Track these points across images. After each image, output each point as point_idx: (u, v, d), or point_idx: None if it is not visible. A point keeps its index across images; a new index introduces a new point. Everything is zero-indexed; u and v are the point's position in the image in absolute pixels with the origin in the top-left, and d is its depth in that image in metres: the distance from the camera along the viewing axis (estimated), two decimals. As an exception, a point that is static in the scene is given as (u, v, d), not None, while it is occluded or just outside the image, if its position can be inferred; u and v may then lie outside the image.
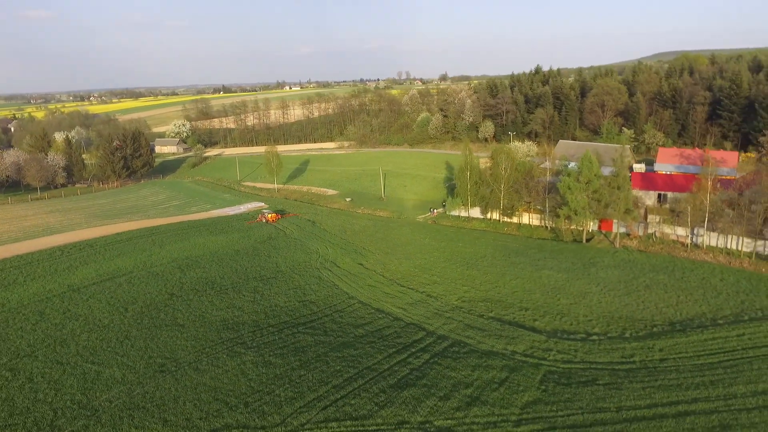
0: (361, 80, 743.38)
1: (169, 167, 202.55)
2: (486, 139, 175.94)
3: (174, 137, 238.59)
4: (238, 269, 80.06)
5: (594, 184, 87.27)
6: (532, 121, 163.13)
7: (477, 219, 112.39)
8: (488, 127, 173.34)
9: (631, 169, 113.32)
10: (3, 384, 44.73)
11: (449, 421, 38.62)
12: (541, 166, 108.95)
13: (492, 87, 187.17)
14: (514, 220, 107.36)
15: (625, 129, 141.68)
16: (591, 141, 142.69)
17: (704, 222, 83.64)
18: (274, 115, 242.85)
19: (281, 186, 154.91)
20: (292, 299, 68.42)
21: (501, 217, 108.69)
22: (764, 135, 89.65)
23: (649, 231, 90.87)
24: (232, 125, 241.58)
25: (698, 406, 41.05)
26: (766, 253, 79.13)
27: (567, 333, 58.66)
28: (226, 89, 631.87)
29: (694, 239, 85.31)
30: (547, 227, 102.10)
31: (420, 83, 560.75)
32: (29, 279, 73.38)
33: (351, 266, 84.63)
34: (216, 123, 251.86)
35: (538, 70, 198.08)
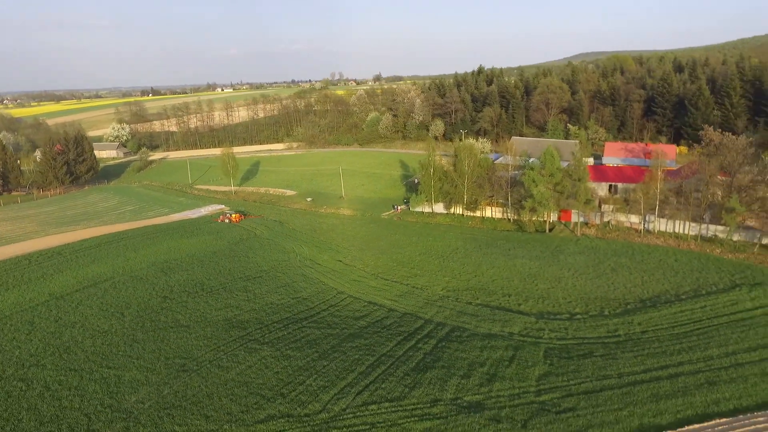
0: (293, 81, 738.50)
1: (113, 172, 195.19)
2: (436, 138, 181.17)
3: (113, 141, 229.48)
4: (222, 270, 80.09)
5: (556, 177, 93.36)
6: (481, 120, 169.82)
7: (441, 214, 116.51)
8: (438, 126, 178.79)
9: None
10: (20, 394, 43.86)
11: (477, 396, 41.78)
12: (498, 161, 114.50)
13: (440, 87, 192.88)
14: (477, 214, 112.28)
15: (570, 125, 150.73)
16: (537, 137, 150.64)
17: (655, 209, 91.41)
18: (219, 117, 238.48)
19: (238, 188, 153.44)
20: (285, 297, 69.60)
21: (464, 211, 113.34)
22: (701, 129, 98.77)
23: (605, 219, 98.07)
24: (174, 128, 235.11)
25: (685, 368, 46.20)
26: (708, 235, 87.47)
27: (552, 314, 63.32)
28: (155, 91, 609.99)
29: (646, 225, 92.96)
30: (509, 219, 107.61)
31: (354, 84, 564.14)
32: (2, 289, 70.51)
33: (331, 263, 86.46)
34: (157, 126, 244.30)
35: (481, 70, 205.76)
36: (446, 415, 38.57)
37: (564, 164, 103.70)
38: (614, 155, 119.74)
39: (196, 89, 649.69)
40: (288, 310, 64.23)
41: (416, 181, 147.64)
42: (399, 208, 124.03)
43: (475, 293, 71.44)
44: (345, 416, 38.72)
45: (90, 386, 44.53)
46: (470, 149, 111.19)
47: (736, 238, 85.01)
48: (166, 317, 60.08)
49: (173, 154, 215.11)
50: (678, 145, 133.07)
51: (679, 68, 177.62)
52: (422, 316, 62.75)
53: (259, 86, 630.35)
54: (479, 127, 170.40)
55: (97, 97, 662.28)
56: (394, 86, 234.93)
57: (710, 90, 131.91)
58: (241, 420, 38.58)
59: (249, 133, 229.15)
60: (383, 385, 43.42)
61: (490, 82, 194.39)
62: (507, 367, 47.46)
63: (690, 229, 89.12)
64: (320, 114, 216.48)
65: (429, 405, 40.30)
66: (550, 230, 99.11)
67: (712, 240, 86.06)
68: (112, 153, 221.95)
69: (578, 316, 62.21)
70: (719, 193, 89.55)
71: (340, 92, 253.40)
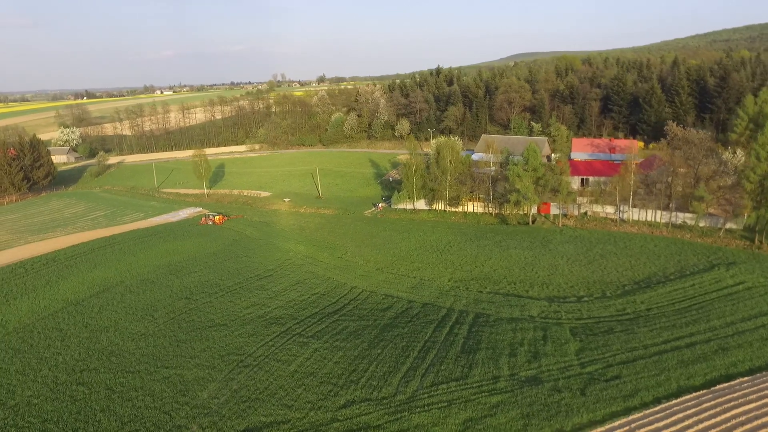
0: (232, 83, 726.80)
1: (68, 178, 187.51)
2: (402, 137, 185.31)
3: (63, 145, 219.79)
4: (231, 270, 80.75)
5: (539, 171, 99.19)
6: (447, 119, 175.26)
7: (423, 210, 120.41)
8: (404, 125, 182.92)
9: (548, 158, 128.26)
10: (85, 397, 44.16)
11: (531, 371, 45.74)
12: (478, 158, 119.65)
13: (402, 87, 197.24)
14: (459, 209, 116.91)
15: (533, 123, 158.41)
16: (502, 135, 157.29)
17: (629, 200, 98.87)
18: (175, 119, 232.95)
19: (210, 191, 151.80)
20: (303, 293, 71.41)
21: (446, 207, 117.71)
22: (657, 125, 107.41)
23: (582, 211, 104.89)
24: (127, 131, 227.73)
25: (697, 338, 51.91)
26: (678, 222, 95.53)
27: (561, 298, 68.37)
28: (90, 94, 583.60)
29: (620, 215, 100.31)
30: (492, 213, 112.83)
31: (298, 85, 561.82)
32: (10, 298, 68.64)
33: (332, 260, 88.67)
34: (109, 129, 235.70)
35: (440, 71, 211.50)
36: (511, 389, 42.24)
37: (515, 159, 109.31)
38: (582, 150, 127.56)
39: (133, 92, 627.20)
40: (313, 305, 66.18)
41: (391, 179, 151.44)
42: (380, 205, 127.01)
43: (482, 283, 75.66)
44: (420, 396, 41.68)
45: (155, 386, 45.29)
46: (452, 146, 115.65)
47: (702, 224, 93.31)
48: (199, 317, 60.79)
49: (130, 158, 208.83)
50: (633, 139, 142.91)
51: (626, 68, 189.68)
52: (442, 305, 66.25)
53: (200, 88, 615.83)
54: (444, 126, 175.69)
55: (24, 100, 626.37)
56: (357, 86, 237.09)
57: (660, 89, 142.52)
58: (323, 407, 40.76)
59: (206, 135, 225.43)
60: (442, 367, 46.62)
61: (450, 82, 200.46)
62: (544, 345, 51.70)
63: (661, 217, 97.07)
64: (281, 115, 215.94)
65: (492, 381, 43.87)
66: (533, 222, 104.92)
67: (682, 227, 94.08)
68: (63, 158, 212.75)
69: (585, 299, 67.52)
70: (681, 183, 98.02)
71: (298, 93, 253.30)
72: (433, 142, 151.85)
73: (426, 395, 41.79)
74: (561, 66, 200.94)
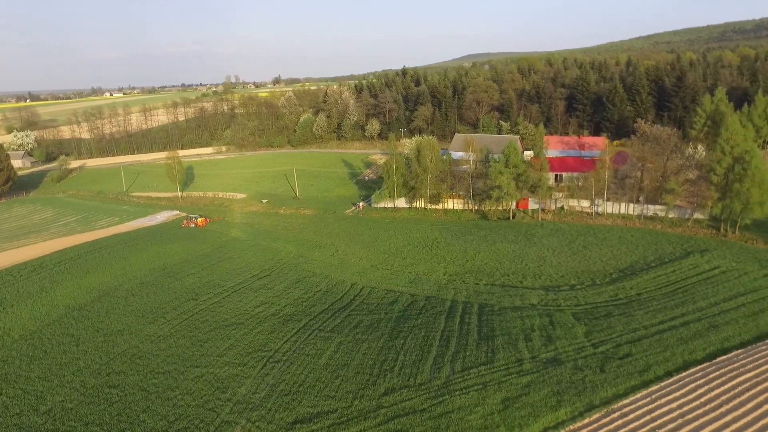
0: (184, 85, 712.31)
1: (27, 183, 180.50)
2: (372, 137, 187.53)
3: (17, 149, 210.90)
4: (228, 271, 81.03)
5: (520, 168, 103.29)
6: (417, 118, 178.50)
7: (404, 208, 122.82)
8: (374, 126, 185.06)
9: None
10: (121, 399, 44.47)
11: (550, 353, 48.82)
12: (456, 156, 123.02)
13: (371, 87, 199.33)
14: (440, 206, 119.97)
15: (501, 122, 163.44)
16: (471, 134, 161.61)
17: (603, 194, 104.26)
18: (137, 122, 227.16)
19: (184, 193, 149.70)
20: (307, 291, 72.64)
21: (427, 204, 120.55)
22: (636, 122, 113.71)
23: (558, 206, 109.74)
24: (86, 134, 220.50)
25: (688, 318, 56.31)
26: (649, 214, 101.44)
27: (555, 287, 72.08)
28: (34, 96, 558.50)
29: (596, 209, 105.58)
30: (472, 210, 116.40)
31: (254, 86, 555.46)
32: (6, 306, 67.10)
33: (326, 259, 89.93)
34: (65, 132, 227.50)
35: (405, 71, 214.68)
36: (537, 370, 45.13)
37: (496, 157, 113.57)
38: (553, 148, 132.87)
39: (80, 94, 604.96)
40: (321, 302, 67.56)
41: (366, 179, 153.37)
42: (361, 204, 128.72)
43: (477, 275, 78.71)
44: (455, 381, 44.02)
45: (191, 385, 45.90)
46: (432, 145, 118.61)
47: (671, 215, 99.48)
48: (212, 317, 61.26)
49: (91, 162, 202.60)
50: (598, 136, 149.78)
51: (585, 68, 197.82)
52: (445, 298, 68.82)
53: (152, 90, 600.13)
54: (415, 126, 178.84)
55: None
56: (325, 87, 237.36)
57: (622, 88, 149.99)
58: (365, 395, 42.51)
59: (170, 137, 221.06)
60: (467, 354, 49.13)
61: (417, 83, 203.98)
62: (553, 330, 54.95)
63: (633, 209, 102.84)
64: (247, 117, 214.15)
65: (517, 364, 46.67)
66: (513, 218, 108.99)
67: (653, 218, 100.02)
68: (18, 162, 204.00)
69: (577, 287, 71.42)
70: (649, 178, 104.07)
71: (263, 94, 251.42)
72: (407, 141, 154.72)
73: (460, 379, 44.15)
74: (524, 66, 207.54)
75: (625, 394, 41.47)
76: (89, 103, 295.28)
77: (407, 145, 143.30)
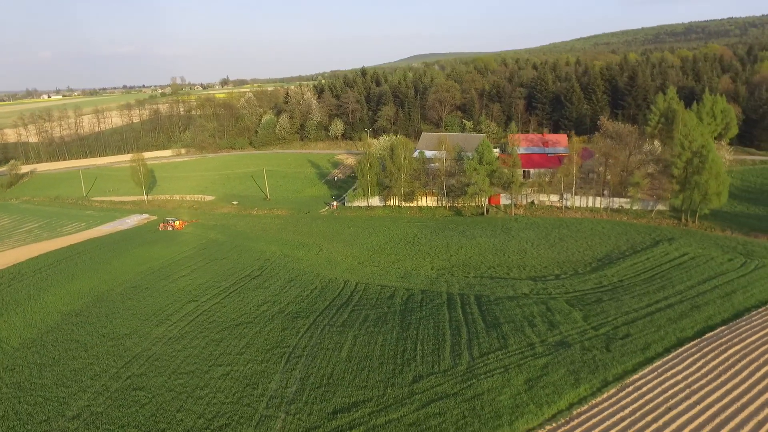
0: (125, 87, 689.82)
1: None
2: (336, 137, 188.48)
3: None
4: (218, 272, 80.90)
5: (494, 165, 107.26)
6: (380, 118, 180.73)
7: (378, 207, 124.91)
8: (338, 126, 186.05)
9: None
10: (151, 401, 44.66)
11: (557, 337, 52.05)
12: (429, 154, 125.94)
13: (332, 88, 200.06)
14: (413, 204, 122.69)
15: (465, 121, 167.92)
16: (436, 132, 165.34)
17: (572, 188, 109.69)
18: (89, 124, 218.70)
19: (149, 197, 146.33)
20: (303, 290, 73.56)
21: (401, 202, 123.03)
22: (599, 120, 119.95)
23: (529, 200, 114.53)
24: (33, 138, 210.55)
25: (671, 300, 60.95)
26: (615, 207, 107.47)
27: (541, 277, 75.84)
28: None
29: (565, 202, 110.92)
30: (446, 207, 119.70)
31: (201, 88, 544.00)
32: (-6, 315, 64.87)
33: (312, 258, 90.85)
34: (10, 135, 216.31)
35: (365, 71, 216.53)
36: (550, 352, 48.22)
37: (469, 155, 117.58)
38: (518, 145, 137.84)
39: (13, 96, 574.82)
40: (321, 299, 68.74)
41: (336, 179, 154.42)
42: (335, 204, 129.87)
43: (464, 269, 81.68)
44: (477, 365, 46.49)
45: (219, 383, 46.42)
46: (405, 144, 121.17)
47: (635, 207, 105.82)
48: (218, 317, 61.49)
49: (42, 167, 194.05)
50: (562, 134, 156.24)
51: (538, 68, 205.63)
52: (440, 291, 71.35)
53: (93, 92, 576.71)
54: (378, 126, 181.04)
55: None
56: (287, 88, 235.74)
57: (579, 87, 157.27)
58: (396, 383, 44.34)
59: (125, 140, 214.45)
60: (480, 341, 51.74)
61: (378, 83, 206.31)
62: (552, 316, 58.33)
63: (600, 203, 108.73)
64: (205, 118, 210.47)
65: (530, 348, 49.64)
66: (486, 213, 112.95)
67: (619, 210, 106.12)
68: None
69: (562, 276, 75.46)
70: (613, 172, 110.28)
71: (220, 95, 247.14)
72: (374, 141, 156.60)
73: (481, 364, 46.65)
74: (480, 66, 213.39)
75: (634, 370, 45.07)
76: (31, 105, 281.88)
77: (375, 144, 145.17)
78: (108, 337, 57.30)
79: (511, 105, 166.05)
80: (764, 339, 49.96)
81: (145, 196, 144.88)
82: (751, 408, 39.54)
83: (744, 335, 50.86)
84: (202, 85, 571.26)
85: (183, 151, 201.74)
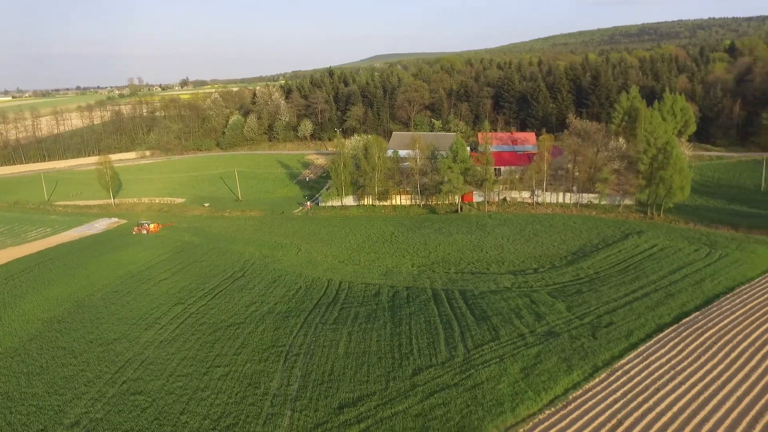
0: (79, 88, 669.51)
1: None
2: (306, 138, 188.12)
3: None
4: (200, 275, 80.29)
5: (468, 163, 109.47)
6: (349, 118, 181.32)
7: (353, 206, 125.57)
8: (307, 126, 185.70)
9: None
10: (152, 405, 44.27)
11: (544, 327, 54.05)
12: (402, 153, 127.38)
13: (300, 88, 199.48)
14: (388, 203, 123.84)
15: (434, 120, 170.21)
16: (406, 132, 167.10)
17: (543, 185, 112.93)
18: (47, 126, 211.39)
19: (117, 200, 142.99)
20: (289, 289, 73.83)
21: (375, 201, 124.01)
22: (567, 118, 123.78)
23: (501, 197, 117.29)
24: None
25: (647, 289, 63.85)
26: (584, 202, 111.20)
27: (520, 271, 78.08)
28: None
29: (536, 199, 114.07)
30: (420, 205, 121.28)
31: (160, 89, 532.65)
32: (-33, 324, 62.88)
33: (292, 258, 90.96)
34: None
35: (332, 72, 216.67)
36: (541, 342, 50.15)
37: (443, 153, 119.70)
38: (490, 143, 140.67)
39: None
40: (308, 299, 69.17)
41: (307, 179, 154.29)
42: (308, 204, 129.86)
43: (444, 265, 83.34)
44: (473, 357, 47.99)
45: (220, 384, 46.43)
46: (379, 143, 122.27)
47: (603, 202, 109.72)
48: (208, 319, 61.26)
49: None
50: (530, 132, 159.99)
51: (502, 68, 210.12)
52: (424, 287, 72.66)
53: (45, 93, 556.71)
54: (348, 126, 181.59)
55: None
56: (254, 88, 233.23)
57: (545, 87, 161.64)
58: (397, 377, 45.34)
59: (85, 142, 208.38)
60: (472, 333, 53.29)
61: (346, 83, 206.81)
62: (538, 308, 60.37)
63: (570, 198, 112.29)
64: (170, 119, 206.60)
65: (521, 338, 51.45)
66: (460, 210, 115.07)
67: (588, 206, 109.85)
68: None
69: (540, 270, 77.84)
70: (582, 169, 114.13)
71: (184, 96, 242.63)
72: (346, 141, 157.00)
73: (477, 355, 48.16)
74: (446, 66, 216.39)
75: (621, 356, 47.37)
76: (9, 104, 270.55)
77: (348, 144, 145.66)
78: (96, 342, 56.38)
79: (479, 104, 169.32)
80: (735, 322, 53.20)
81: (113, 200, 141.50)
82: (730, 385, 42.25)
83: (717, 320, 53.97)
84: (161, 86, 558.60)
85: (148, 153, 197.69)
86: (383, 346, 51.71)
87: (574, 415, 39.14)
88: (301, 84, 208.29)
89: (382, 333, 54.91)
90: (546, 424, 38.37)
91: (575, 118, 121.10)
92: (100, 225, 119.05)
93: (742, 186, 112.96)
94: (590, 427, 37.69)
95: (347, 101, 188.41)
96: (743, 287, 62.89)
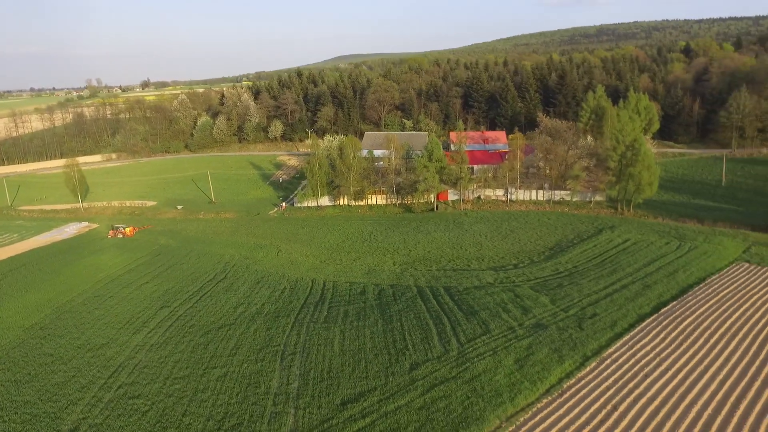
0: (32, 89, 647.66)
1: None
2: (276, 139, 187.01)
3: None
4: (181, 278, 79.62)
5: (443, 162, 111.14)
6: (320, 119, 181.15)
7: (328, 207, 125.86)
8: (277, 127, 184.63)
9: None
10: (152, 408, 44.04)
11: (532, 320, 55.79)
12: (378, 153, 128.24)
13: (269, 89, 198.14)
14: (363, 202, 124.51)
15: (404, 120, 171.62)
16: (377, 132, 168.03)
17: (516, 183, 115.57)
18: (5, 128, 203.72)
19: (85, 204, 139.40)
20: (274, 290, 73.88)
21: (350, 201, 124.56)
22: (537, 117, 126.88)
23: (476, 195, 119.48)
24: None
25: (625, 282, 66.40)
26: (556, 199, 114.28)
27: (500, 267, 79.97)
28: None
29: (510, 196, 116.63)
30: (395, 204, 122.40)
31: (120, 90, 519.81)
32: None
33: (272, 259, 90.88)
34: None
35: (300, 72, 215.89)
36: (530, 334, 51.82)
37: (418, 153, 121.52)
38: (464, 143, 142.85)
39: None
40: (295, 298, 69.40)
41: (281, 180, 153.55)
42: (284, 205, 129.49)
43: (425, 263, 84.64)
44: (467, 350, 49.27)
45: (219, 385, 46.47)
46: (355, 144, 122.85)
47: (575, 199, 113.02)
48: (197, 322, 60.92)
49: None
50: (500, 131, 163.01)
51: (468, 68, 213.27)
52: (408, 284, 73.74)
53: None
54: (318, 126, 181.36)
55: None
56: (223, 89, 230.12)
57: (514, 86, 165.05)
58: (396, 372, 46.23)
59: (46, 146, 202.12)
60: (463, 328, 54.60)
61: (314, 83, 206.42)
62: (522, 302, 62.14)
63: (543, 195, 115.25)
64: (136, 121, 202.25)
65: (511, 331, 53.04)
66: (436, 209, 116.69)
67: (560, 202, 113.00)
68: None
69: (520, 266, 79.89)
70: (553, 166, 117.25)
71: (150, 98, 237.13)
72: (319, 142, 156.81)
73: (471, 349, 49.46)
74: (414, 66, 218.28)
75: (607, 345, 49.42)
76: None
77: (322, 144, 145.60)
78: (84, 348, 55.42)
79: (449, 104, 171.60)
80: (711, 310, 56.08)
81: (81, 204, 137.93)
82: (712, 369, 44.70)
83: (693, 308, 56.75)
84: (121, 87, 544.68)
85: (114, 156, 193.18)
86: (378, 342, 52.52)
87: (570, 403, 40.79)
88: (270, 85, 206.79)
89: (374, 330, 55.71)
90: (545, 412, 39.88)
91: (545, 117, 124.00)
92: (71, 230, 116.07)
93: (704, 181, 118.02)
94: (587, 414, 39.38)
95: (317, 102, 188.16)
96: (713, 277, 66.19)
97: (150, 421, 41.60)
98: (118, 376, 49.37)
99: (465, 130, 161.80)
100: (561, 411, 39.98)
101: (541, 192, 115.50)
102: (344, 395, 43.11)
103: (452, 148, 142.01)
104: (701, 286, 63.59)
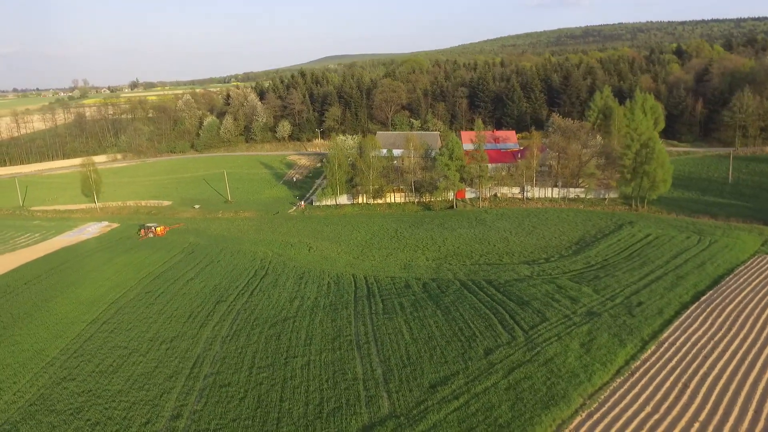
0: (16, 90, 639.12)
1: None
2: (284, 139, 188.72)
3: None
4: (224, 274, 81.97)
5: (463, 161, 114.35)
6: (328, 119, 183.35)
7: (347, 205, 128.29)
8: (285, 127, 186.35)
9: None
10: (269, 389, 46.29)
11: (583, 308, 59.08)
12: (397, 153, 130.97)
13: (275, 89, 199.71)
14: (382, 201, 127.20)
15: (412, 120, 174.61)
16: (386, 132, 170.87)
17: (532, 181, 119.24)
18: (6, 129, 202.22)
19: (101, 204, 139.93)
20: (320, 285, 76.31)
21: (369, 200, 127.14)
22: (543, 116, 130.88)
23: (492, 193, 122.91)
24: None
25: (657, 273, 70.01)
26: (570, 197, 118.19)
27: (533, 261, 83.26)
28: None
29: (526, 194, 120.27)
30: (414, 202, 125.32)
31: (108, 91, 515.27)
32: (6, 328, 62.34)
33: (306, 256, 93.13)
34: None
35: (303, 72, 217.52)
36: (587, 321, 55.11)
37: (432, 153, 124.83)
38: (469, 142, 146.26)
39: None
40: (345, 292, 71.94)
41: (294, 179, 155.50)
42: (302, 203, 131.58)
43: (459, 258, 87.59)
44: (533, 337, 52.38)
45: (305, 373, 48.89)
46: (374, 143, 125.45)
47: (589, 196, 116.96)
48: (259, 315, 63.26)
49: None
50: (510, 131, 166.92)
51: (468, 68, 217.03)
52: (449, 278, 76.63)
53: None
54: (326, 126, 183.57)
55: None
56: (215, 89, 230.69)
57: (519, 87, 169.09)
58: (472, 357, 49.09)
59: (49, 146, 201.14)
60: (522, 316, 57.69)
61: (318, 84, 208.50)
62: (567, 292, 65.39)
63: (558, 193, 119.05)
64: (141, 121, 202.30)
65: (567, 318, 56.28)
66: (455, 207, 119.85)
67: (575, 200, 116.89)
68: None
69: (551, 260, 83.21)
70: (566, 165, 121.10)
71: (152, 98, 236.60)
72: (324, 142, 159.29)
73: (535, 335, 52.59)
74: (415, 67, 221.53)
75: (661, 330, 52.90)
76: None
77: (338, 144, 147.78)
78: (157, 341, 57.40)
79: (455, 104, 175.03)
80: (748, 298, 59.95)
81: (97, 204, 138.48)
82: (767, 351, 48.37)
83: (731, 297, 60.59)
84: (109, 87, 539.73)
85: (119, 156, 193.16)
86: (445, 331, 55.38)
87: (642, 382, 44.09)
88: (275, 85, 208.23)
89: (437, 320, 58.52)
90: (622, 390, 43.12)
91: (557, 117, 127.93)
92: (92, 229, 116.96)
93: (711, 179, 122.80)
94: (661, 391, 42.69)
95: (323, 102, 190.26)
96: (740, 269, 70.25)
97: (250, 407, 43.94)
98: (200, 366, 51.53)
99: (472, 129, 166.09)
100: (636, 389, 43.23)
101: (555, 190, 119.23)
102: (431, 379, 45.88)
103: (463, 147, 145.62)
104: (731, 276, 67.49)
